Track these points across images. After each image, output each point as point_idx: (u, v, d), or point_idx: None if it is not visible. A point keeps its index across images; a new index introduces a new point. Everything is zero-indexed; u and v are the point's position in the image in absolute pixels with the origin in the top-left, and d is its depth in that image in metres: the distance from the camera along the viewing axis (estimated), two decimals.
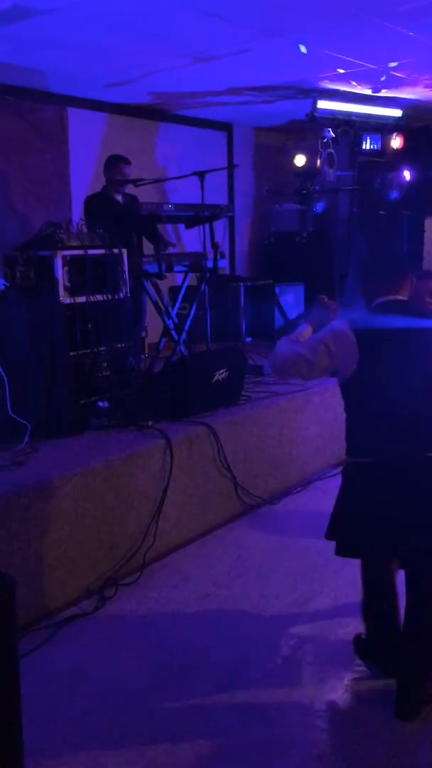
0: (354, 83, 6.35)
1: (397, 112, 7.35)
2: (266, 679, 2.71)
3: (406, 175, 7.72)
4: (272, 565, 3.69)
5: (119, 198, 5.69)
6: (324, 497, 4.66)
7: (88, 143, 6.74)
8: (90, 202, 5.70)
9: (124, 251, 4.34)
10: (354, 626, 3.05)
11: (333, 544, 2.61)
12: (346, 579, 3.49)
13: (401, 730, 2.40)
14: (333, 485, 4.82)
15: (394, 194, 7.59)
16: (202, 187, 5.03)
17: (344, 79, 6.31)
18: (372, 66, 5.89)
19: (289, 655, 2.88)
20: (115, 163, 5.64)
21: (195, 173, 5.05)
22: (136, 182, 5.34)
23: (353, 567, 3.59)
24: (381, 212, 7.65)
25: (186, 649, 2.92)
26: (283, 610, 3.24)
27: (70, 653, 2.91)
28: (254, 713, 2.52)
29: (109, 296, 4.20)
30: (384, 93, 6.79)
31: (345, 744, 2.35)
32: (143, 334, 6.22)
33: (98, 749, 2.35)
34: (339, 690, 2.63)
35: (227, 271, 8.52)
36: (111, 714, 2.53)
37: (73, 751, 2.35)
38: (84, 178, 6.57)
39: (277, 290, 7.68)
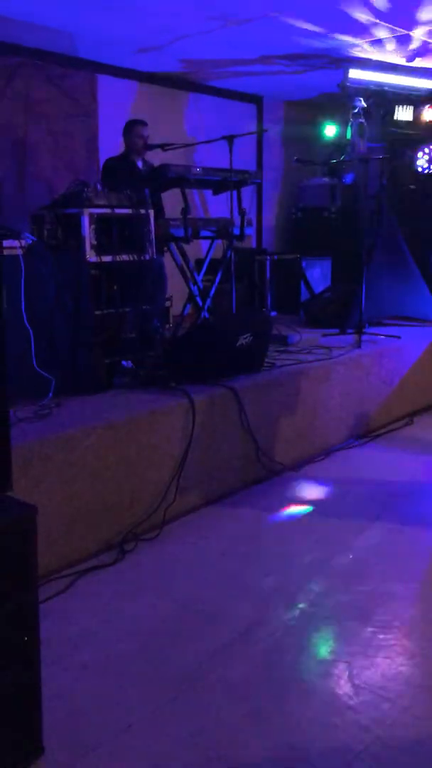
0: (389, 48, 6.23)
1: (431, 83, 7.20)
2: (283, 631, 2.71)
3: None
4: (291, 527, 3.68)
5: (140, 163, 5.68)
6: (346, 467, 4.65)
7: (117, 111, 6.68)
8: (108, 164, 5.70)
9: (152, 212, 4.32)
10: (374, 584, 3.04)
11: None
12: (364, 542, 3.48)
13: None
14: (356, 455, 4.86)
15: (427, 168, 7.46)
16: (231, 151, 4.97)
17: (377, 45, 6.19)
18: (407, 31, 5.77)
19: (307, 609, 2.87)
20: (132, 127, 5.68)
21: (224, 137, 4.99)
22: (164, 146, 5.30)
23: (371, 531, 3.60)
24: (411, 186, 7.53)
25: (204, 601, 2.92)
26: (301, 568, 3.23)
27: (89, 600, 2.93)
28: (271, 662, 2.52)
29: (136, 257, 4.20)
30: (418, 62, 6.65)
31: (361, 691, 2.34)
32: (168, 304, 6.19)
33: (116, 690, 2.37)
34: (358, 643, 2.62)
35: (254, 242, 8.46)
36: (128, 657, 2.54)
37: (91, 691, 2.36)
38: (113, 146, 6.52)
39: (303, 264, 7.62)
